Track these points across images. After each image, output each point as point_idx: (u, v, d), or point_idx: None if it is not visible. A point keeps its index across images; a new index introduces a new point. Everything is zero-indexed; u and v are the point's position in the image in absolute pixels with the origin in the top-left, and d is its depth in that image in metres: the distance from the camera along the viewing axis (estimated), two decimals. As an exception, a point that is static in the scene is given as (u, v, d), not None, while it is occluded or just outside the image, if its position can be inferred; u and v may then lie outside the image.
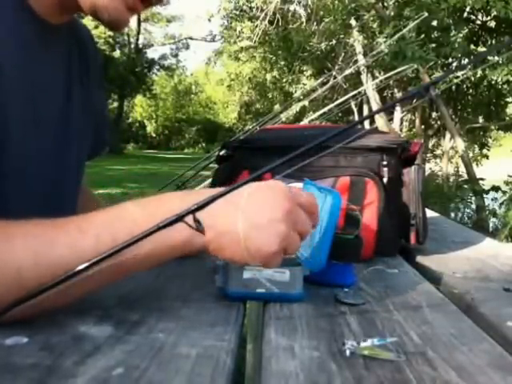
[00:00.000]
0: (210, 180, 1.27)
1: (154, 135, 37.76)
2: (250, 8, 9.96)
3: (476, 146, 9.26)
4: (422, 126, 9.01)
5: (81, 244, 0.47)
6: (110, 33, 22.99)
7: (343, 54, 7.95)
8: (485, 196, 6.85)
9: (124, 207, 0.51)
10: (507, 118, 8.90)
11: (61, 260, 0.46)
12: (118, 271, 0.50)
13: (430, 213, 1.34)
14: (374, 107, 7.46)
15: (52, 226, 0.49)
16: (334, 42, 8.76)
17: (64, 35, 0.71)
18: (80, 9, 0.64)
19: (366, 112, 8.33)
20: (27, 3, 0.62)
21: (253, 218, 0.50)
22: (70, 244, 0.47)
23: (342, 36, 8.33)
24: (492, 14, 6.69)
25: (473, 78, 7.39)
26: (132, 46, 25.86)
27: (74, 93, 0.73)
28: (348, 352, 0.47)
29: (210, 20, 10.95)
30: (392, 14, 7.02)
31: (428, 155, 9.33)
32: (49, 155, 0.68)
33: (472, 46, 6.89)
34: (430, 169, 8.99)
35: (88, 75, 0.78)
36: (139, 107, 35.69)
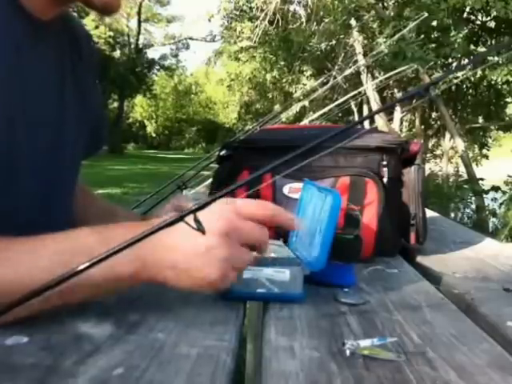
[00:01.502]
0: (210, 180, 1.27)
1: (154, 135, 37.78)
2: (250, 8, 9.95)
3: (476, 146, 9.27)
4: (422, 126, 9.01)
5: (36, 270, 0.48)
6: (111, 33, 23.03)
7: (343, 55, 7.94)
8: (485, 196, 6.84)
9: (78, 235, 0.52)
10: (507, 118, 8.90)
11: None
12: (58, 296, 0.49)
13: (429, 213, 1.34)
14: (374, 107, 7.45)
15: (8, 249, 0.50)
16: (333, 42, 8.76)
17: (56, 32, 0.71)
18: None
19: (365, 112, 8.33)
20: (18, 1, 0.62)
21: (190, 249, 0.51)
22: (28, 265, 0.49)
23: (341, 36, 8.32)
24: (492, 15, 6.69)
25: (472, 79, 7.39)
26: (132, 46, 25.87)
27: (67, 90, 0.72)
28: (348, 352, 0.47)
29: (210, 20, 10.94)
30: (392, 14, 7.02)
31: (428, 155, 9.33)
32: (43, 154, 0.68)
33: (472, 47, 6.89)
34: (430, 169, 8.98)
35: (83, 73, 0.78)
36: (139, 107, 35.70)
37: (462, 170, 7.85)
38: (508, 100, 8.50)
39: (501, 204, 6.82)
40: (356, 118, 9.09)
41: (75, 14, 0.83)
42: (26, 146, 0.63)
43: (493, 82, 7.04)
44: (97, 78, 0.86)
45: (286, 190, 0.87)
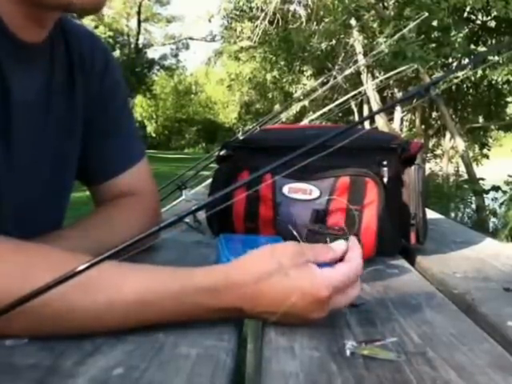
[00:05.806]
0: (209, 180, 1.27)
1: (154, 135, 37.71)
2: (250, 8, 9.95)
3: (476, 145, 9.26)
4: (422, 126, 9.01)
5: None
6: (110, 33, 23.02)
7: (343, 54, 7.94)
8: (485, 196, 6.84)
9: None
10: (507, 118, 8.90)
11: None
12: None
13: (430, 213, 1.34)
14: (374, 107, 7.46)
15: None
16: (334, 42, 8.76)
17: (44, 53, 0.69)
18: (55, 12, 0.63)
19: (366, 112, 8.32)
20: (1, 21, 0.60)
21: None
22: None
23: (342, 36, 8.32)
24: (492, 14, 6.69)
25: (473, 78, 7.39)
26: (132, 46, 25.88)
27: (52, 116, 0.71)
28: (348, 352, 0.47)
29: (210, 20, 10.96)
30: (392, 14, 7.02)
31: (428, 155, 9.32)
32: (22, 172, 0.67)
33: (472, 46, 6.90)
34: (430, 169, 8.98)
35: (86, 93, 0.77)
36: (139, 107, 35.64)
37: (463, 169, 7.85)
38: (508, 100, 8.50)
39: (501, 204, 6.82)
40: (356, 117, 9.08)
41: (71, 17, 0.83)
42: (4, 164, 0.63)
43: (493, 82, 7.04)
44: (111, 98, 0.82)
45: (285, 190, 0.87)
